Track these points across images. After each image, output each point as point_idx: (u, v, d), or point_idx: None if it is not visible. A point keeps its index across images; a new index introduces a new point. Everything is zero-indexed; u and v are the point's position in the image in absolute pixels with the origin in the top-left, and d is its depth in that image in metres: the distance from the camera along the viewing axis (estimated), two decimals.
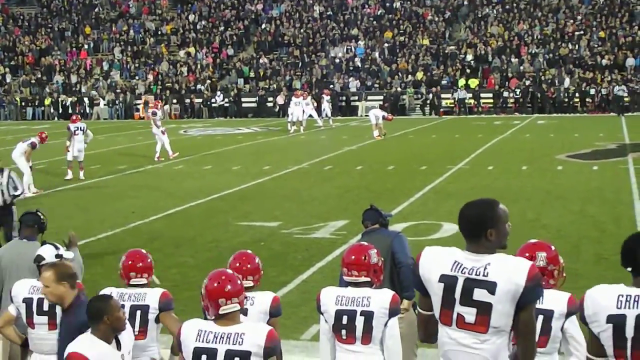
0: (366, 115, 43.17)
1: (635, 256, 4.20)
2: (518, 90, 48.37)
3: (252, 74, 56.08)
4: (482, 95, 49.51)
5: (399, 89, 51.23)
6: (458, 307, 4.51)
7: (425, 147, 30.77)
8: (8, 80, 60.11)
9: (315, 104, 43.26)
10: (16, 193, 13.81)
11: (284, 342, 6.28)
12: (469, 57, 52.73)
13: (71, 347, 5.29)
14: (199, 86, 55.12)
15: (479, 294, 4.43)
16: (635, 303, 4.08)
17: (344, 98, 51.76)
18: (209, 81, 55.06)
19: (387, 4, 60.46)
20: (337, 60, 55.56)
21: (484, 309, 4.42)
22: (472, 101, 49.27)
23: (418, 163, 25.41)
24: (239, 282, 4.95)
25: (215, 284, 4.87)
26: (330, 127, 41.92)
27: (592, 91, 46.97)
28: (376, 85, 52.61)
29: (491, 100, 49.37)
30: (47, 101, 56.13)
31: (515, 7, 57.39)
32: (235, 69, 56.37)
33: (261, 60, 57.00)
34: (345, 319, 5.79)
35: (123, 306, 5.82)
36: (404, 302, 6.62)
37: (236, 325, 4.83)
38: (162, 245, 14.68)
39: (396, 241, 7.35)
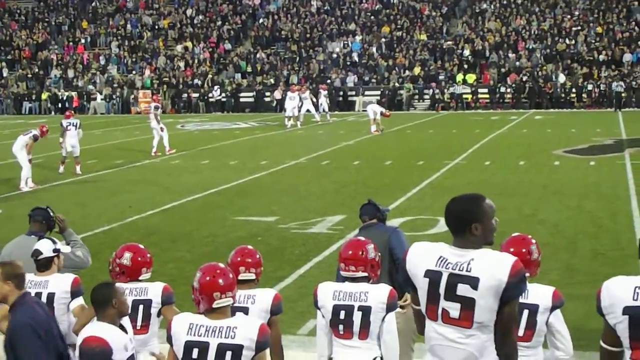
0: (364, 110, 43.17)
1: None
2: (514, 86, 48.40)
3: (249, 69, 56.04)
4: (479, 90, 49.52)
5: (396, 84, 51.21)
6: (443, 302, 4.53)
7: (423, 142, 30.76)
8: (5, 74, 60.04)
9: (315, 99, 43.23)
10: None
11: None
12: (466, 53, 52.72)
13: (85, 333, 5.26)
14: (196, 80, 55.09)
15: (463, 289, 4.45)
16: None
17: (342, 93, 51.74)
18: (210, 76, 54.96)
19: None
20: (335, 55, 55.53)
21: (468, 304, 4.44)
22: (469, 96, 49.27)
23: (415, 158, 25.42)
24: (231, 275, 4.96)
25: (209, 278, 4.87)
26: (327, 122, 41.90)
27: (590, 87, 46.98)
28: (373, 80, 52.59)
29: (488, 96, 49.36)
30: (44, 95, 56.05)
31: (513, 3, 57.34)
32: (233, 64, 56.33)
33: (258, 55, 56.95)
34: (342, 314, 5.80)
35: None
36: (406, 296, 6.62)
37: (228, 319, 4.83)
38: (159, 240, 14.68)
39: (394, 237, 7.34)
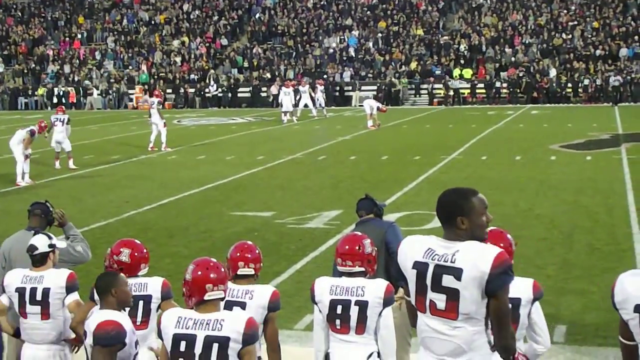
0: (360, 105, 43.15)
1: None
2: (510, 81, 48.40)
3: (245, 64, 56.01)
4: (476, 85, 49.53)
5: (392, 79, 51.20)
6: (430, 293, 4.57)
7: (419, 137, 30.76)
8: (1, 70, 59.95)
9: (312, 94, 43.20)
10: None
11: None
12: (463, 48, 52.71)
13: (97, 320, 5.29)
14: (192, 76, 55.05)
15: (447, 280, 4.48)
16: None
17: (338, 88, 51.73)
18: (212, 71, 54.82)
19: None
20: (331, 50, 55.50)
21: (452, 295, 4.47)
22: (466, 91, 49.27)
23: (412, 153, 25.42)
24: (223, 270, 4.99)
25: (202, 270, 4.90)
26: (324, 117, 41.88)
27: (586, 81, 47.00)
28: (370, 76, 52.58)
29: (484, 91, 49.36)
30: (41, 91, 55.98)
31: None
32: (229, 59, 56.28)
33: (255, 50, 56.90)
34: (339, 309, 5.79)
35: None
36: (399, 291, 6.63)
37: (216, 313, 4.85)
38: (156, 235, 14.68)
39: (390, 231, 7.34)
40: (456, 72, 50.64)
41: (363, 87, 50.76)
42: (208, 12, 62.86)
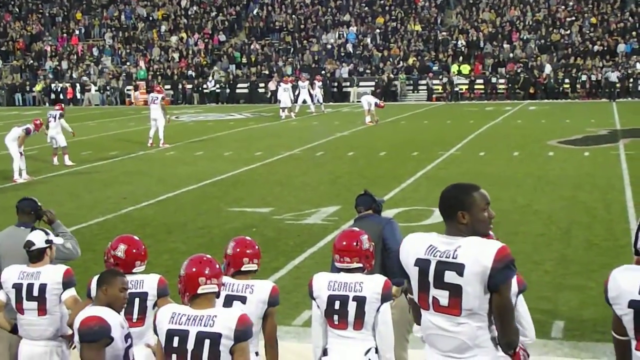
0: (358, 101, 43.14)
1: None
2: (508, 77, 48.42)
3: (244, 60, 55.97)
4: (474, 81, 49.52)
5: (391, 75, 51.19)
6: (432, 290, 4.55)
7: (417, 133, 30.76)
8: None
9: (311, 90, 43.16)
10: None
11: None
12: (460, 43, 52.69)
13: (81, 316, 5.34)
14: (190, 72, 55.01)
15: (449, 276, 4.46)
16: None
17: (336, 84, 51.71)
18: (215, 68, 54.72)
19: None
20: (329, 46, 55.47)
21: (455, 291, 4.46)
22: (463, 87, 49.26)
23: (410, 149, 25.41)
24: (217, 266, 5.02)
25: (195, 265, 4.94)
26: (322, 113, 41.87)
27: (584, 77, 47.00)
28: (368, 71, 52.56)
29: (483, 87, 49.36)
30: (39, 87, 55.94)
31: None
32: (227, 55, 56.25)
33: (253, 46, 56.88)
34: (337, 304, 5.79)
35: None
36: (394, 288, 6.63)
37: (209, 309, 4.86)
38: (154, 231, 14.68)
39: (387, 228, 7.34)
40: (454, 68, 50.62)
41: (361, 83, 50.74)
42: (206, 8, 62.83)
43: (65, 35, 62.83)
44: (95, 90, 55.23)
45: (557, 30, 52.20)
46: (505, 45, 51.65)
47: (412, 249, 4.67)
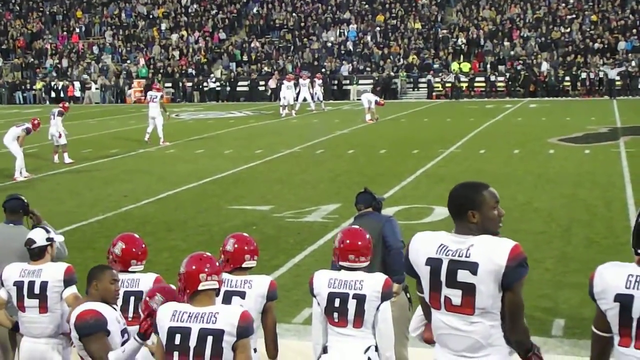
0: (358, 99, 43.13)
1: None
2: (508, 74, 48.41)
3: (244, 58, 55.96)
4: (473, 79, 49.50)
5: (391, 72, 51.17)
6: (444, 289, 4.53)
7: (417, 131, 30.76)
8: None
9: (311, 88, 43.14)
10: None
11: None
12: (460, 41, 52.66)
13: (76, 311, 5.44)
14: (190, 70, 54.99)
15: (462, 275, 4.45)
16: None
17: (336, 82, 51.69)
18: (220, 67, 54.67)
19: None
20: (329, 44, 55.44)
21: (468, 290, 4.44)
22: (464, 85, 49.22)
23: (410, 147, 25.40)
24: (217, 263, 5.04)
25: (195, 262, 4.95)
26: (322, 111, 41.87)
27: (584, 75, 46.98)
28: (368, 69, 52.54)
29: (484, 84, 49.33)
30: (39, 85, 55.93)
31: None
32: (227, 53, 56.23)
33: (253, 44, 56.85)
34: (337, 302, 5.80)
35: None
36: (394, 286, 6.63)
37: (211, 306, 4.88)
38: (154, 229, 14.68)
39: (387, 225, 7.34)
40: (454, 65, 50.60)
41: (361, 81, 50.73)
42: (206, 6, 62.80)
43: (65, 33, 62.82)
44: (96, 89, 55.20)
45: (558, 28, 52.17)
46: (506, 43, 51.63)
47: (422, 248, 4.65)
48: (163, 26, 61.35)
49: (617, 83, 45.31)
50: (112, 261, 6.35)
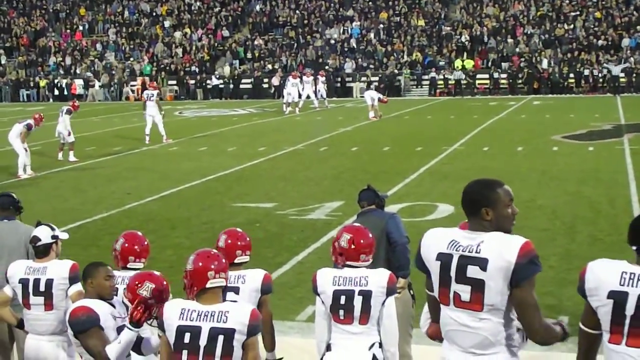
0: (361, 97, 43.12)
1: None
2: (510, 72, 48.36)
3: (248, 55, 55.95)
4: (478, 76, 49.46)
5: (394, 70, 51.15)
6: (454, 285, 4.52)
7: (421, 128, 30.75)
8: (3, 61, 59.93)
9: (314, 86, 43.12)
10: None
11: (279, 323, 6.31)
12: (464, 38, 52.60)
13: (71, 308, 5.54)
14: (193, 67, 55.00)
15: (472, 271, 4.43)
16: (639, 282, 4.10)
17: (339, 79, 51.67)
18: (226, 65, 54.66)
19: None
20: (332, 42, 55.41)
21: (477, 286, 4.42)
22: (466, 82, 49.16)
23: (413, 144, 25.40)
24: (224, 260, 5.03)
25: (203, 260, 4.93)
26: (325, 108, 41.87)
27: (587, 72, 46.94)
28: (371, 67, 52.51)
29: (488, 81, 49.28)
30: (43, 83, 55.96)
31: None
32: (230, 50, 56.23)
33: (256, 42, 56.84)
34: (343, 299, 5.80)
35: (116, 289, 5.84)
36: (399, 281, 6.63)
37: (219, 304, 4.86)
38: (158, 227, 14.69)
39: (390, 222, 7.35)
40: (458, 62, 50.56)
41: (364, 78, 50.68)
42: (209, 4, 62.76)
43: (69, 31, 62.85)
44: (99, 86, 55.22)
45: (562, 24, 52.10)
46: (509, 40, 51.57)
47: (433, 243, 4.65)
48: (166, 24, 61.36)
49: (621, 80, 45.28)
50: (114, 257, 6.41)
